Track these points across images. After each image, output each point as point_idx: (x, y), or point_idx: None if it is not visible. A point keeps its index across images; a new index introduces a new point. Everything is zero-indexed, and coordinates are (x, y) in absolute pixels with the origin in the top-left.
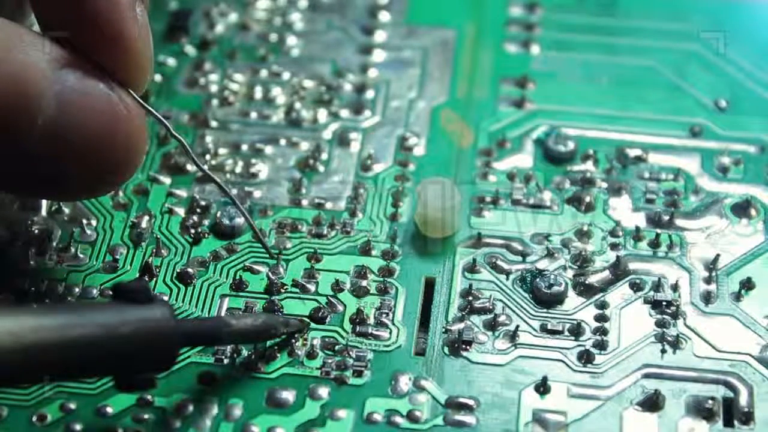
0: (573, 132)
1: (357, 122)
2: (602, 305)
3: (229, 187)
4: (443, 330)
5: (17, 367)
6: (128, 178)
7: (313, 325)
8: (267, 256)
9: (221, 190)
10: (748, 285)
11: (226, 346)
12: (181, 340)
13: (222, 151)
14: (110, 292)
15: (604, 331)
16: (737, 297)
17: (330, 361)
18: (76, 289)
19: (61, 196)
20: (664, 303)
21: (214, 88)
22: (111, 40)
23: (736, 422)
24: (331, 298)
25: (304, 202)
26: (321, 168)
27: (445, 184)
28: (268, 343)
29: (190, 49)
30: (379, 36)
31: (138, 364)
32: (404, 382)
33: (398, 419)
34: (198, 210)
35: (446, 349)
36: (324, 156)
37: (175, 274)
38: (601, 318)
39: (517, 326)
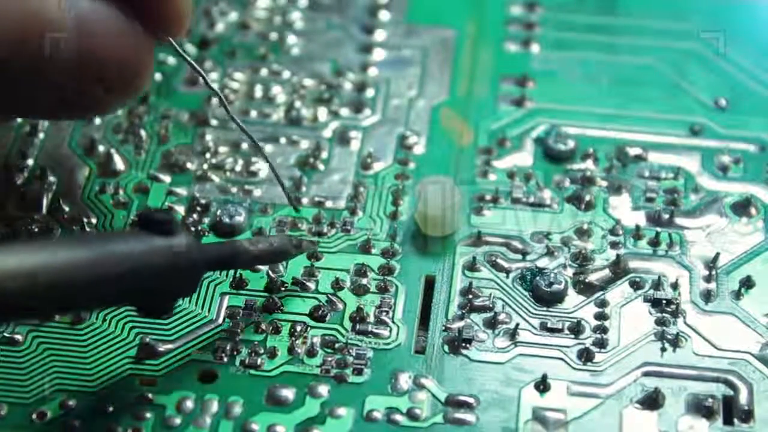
0: (573, 131)
1: (357, 121)
2: (602, 303)
3: (261, 146)
4: (443, 328)
5: (43, 304)
6: (136, 96)
7: (313, 323)
8: None
9: (254, 144)
10: (747, 283)
11: (228, 345)
12: (204, 266)
13: (222, 149)
14: (135, 219)
15: (604, 330)
16: (737, 295)
17: (330, 359)
18: None
19: (78, 115)
20: (664, 301)
21: (214, 87)
22: None
23: (735, 420)
24: (331, 297)
25: (304, 201)
26: (321, 166)
27: (445, 183)
28: (270, 341)
29: (190, 48)
30: (379, 35)
31: (163, 292)
32: (404, 380)
33: (398, 417)
34: (198, 208)
35: (446, 347)
36: (324, 154)
37: None
38: (601, 316)
39: (517, 324)
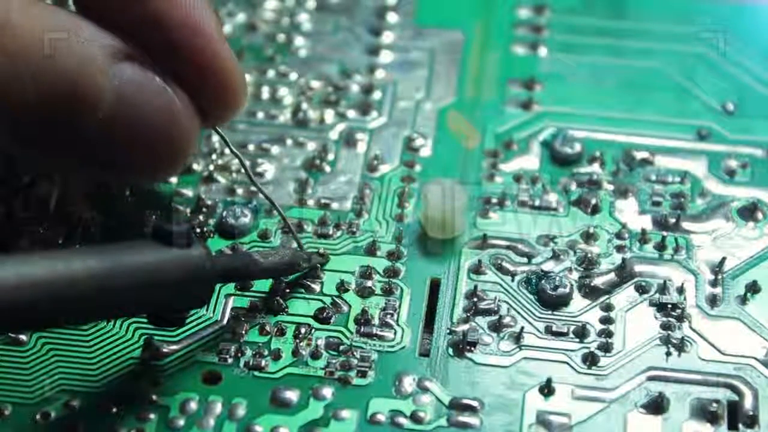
0: (580, 134)
1: (364, 123)
2: (607, 307)
3: (282, 209)
4: (448, 331)
5: (55, 315)
6: (178, 170)
7: (317, 325)
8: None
9: (273, 206)
10: (753, 288)
11: (232, 347)
12: (217, 279)
13: (228, 150)
14: (150, 231)
15: (609, 334)
16: (743, 300)
17: (334, 361)
18: None
19: (116, 179)
20: (670, 306)
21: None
22: (208, 70)
23: (740, 425)
24: (336, 299)
25: (310, 202)
26: (327, 168)
27: (449, 186)
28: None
29: None
30: (387, 37)
31: (176, 303)
32: (408, 383)
33: (402, 420)
34: (204, 209)
35: (451, 350)
36: (330, 156)
37: None
38: (606, 320)
39: (522, 328)
